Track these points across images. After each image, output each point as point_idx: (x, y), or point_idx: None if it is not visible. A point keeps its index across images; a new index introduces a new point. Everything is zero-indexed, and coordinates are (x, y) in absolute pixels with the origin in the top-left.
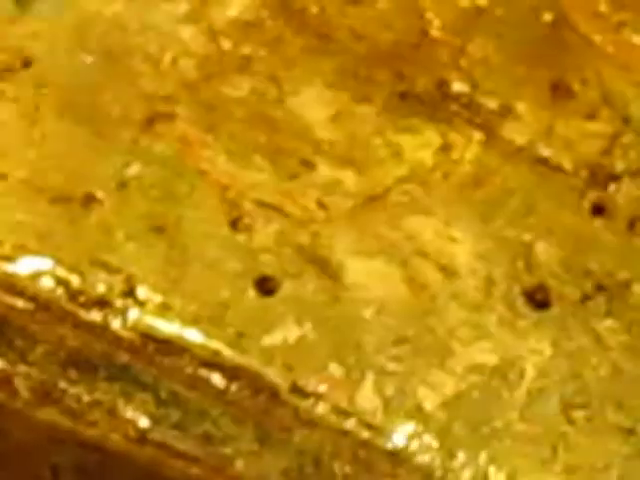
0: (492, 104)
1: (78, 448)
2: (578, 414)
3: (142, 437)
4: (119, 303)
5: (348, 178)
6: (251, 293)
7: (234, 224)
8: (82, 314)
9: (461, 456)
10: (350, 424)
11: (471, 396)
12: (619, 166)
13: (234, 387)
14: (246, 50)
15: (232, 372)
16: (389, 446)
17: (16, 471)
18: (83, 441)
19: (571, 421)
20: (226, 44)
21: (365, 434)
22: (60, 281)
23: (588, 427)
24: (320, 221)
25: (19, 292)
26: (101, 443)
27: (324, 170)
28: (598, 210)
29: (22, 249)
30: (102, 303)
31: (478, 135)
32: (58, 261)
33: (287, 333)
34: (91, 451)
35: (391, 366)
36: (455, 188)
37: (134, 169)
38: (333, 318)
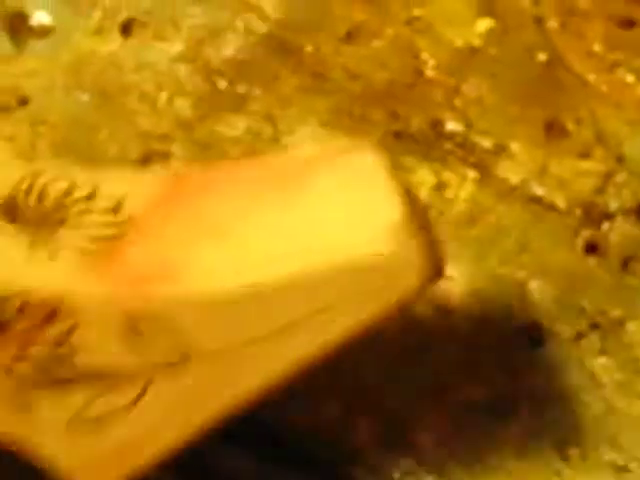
0: (486, 143)
1: None
2: (573, 451)
3: None
4: None
5: None
6: None
7: None
8: None
9: None
10: (347, 464)
11: (466, 433)
12: (612, 205)
13: None
14: (241, 89)
15: None
16: None
17: None
18: None
19: (565, 458)
20: (221, 83)
21: (360, 472)
22: None
23: (582, 465)
24: None
25: None
26: None
27: None
28: (592, 248)
29: None
30: None
31: (472, 174)
32: None
33: None
34: None
35: (388, 403)
36: (449, 226)
37: None
38: None
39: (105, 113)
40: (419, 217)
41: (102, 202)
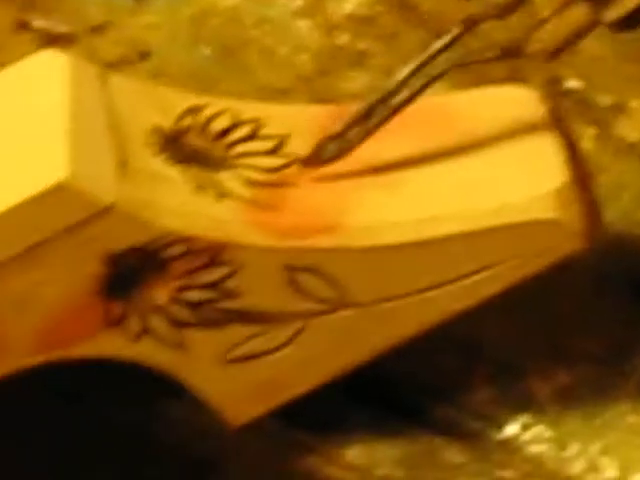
0: (605, 100)
1: None
2: None
3: None
4: None
5: None
6: None
7: None
8: None
9: (574, 447)
10: (463, 415)
11: (583, 387)
12: None
13: None
14: (361, 45)
15: None
16: (501, 437)
17: None
18: None
19: None
20: (341, 38)
21: (477, 425)
22: None
23: None
24: None
25: None
26: None
27: None
28: None
29: None
30: None
31: (591, 131)
32: None
33: None
34: None
35: (505, 356)
36: None
37: None
38: None
39: (225, 67)
40: (583, 178)
41: (265, 142)
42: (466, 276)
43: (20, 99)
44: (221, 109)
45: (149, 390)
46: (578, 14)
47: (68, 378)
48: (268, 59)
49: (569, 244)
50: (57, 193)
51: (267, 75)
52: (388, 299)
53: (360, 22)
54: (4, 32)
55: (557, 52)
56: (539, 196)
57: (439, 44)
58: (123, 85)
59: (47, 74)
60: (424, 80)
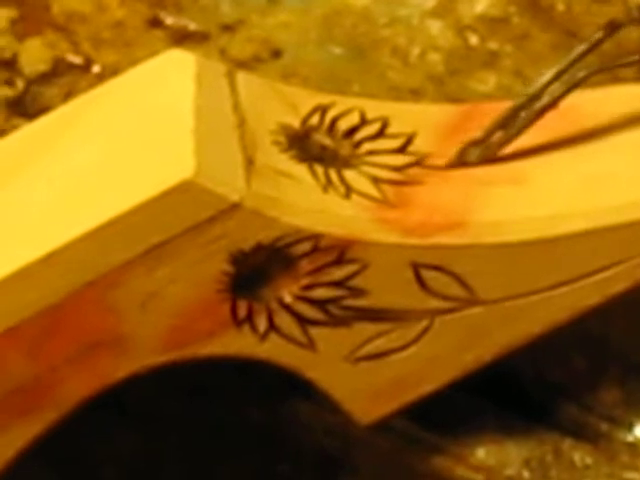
0: None
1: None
2: None
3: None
4: None
5: None
6: None
7: None
8: None
9: None
10: (592, 416)
11: None
12: None
13: None
14: (493, 45)
15: None
16: (630, 438)
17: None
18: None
19: None
20: (473, 39)
21: (606, 426)
22: None
23: None
24: None
25: None
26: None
27: None
28: None
29: None
30: None
31: None
32: None
33: None
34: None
35: (635, 358)
36: None
37: None
38: None
39: (357, 67)
40: None
41: (391, 140)
42: (594, 273)
43: (148, 98)
44: (348, 108)
45: (278, 389)
46: None
47: (197, 375)
48: (399, 59)
49: None
50: (183, 190)
51: (398, 75)
52: (516, 297)
53: (491, 23)
54: (137, 29)
55: None
56: None
57: (580, 49)
58: (250, 83)
59: (174, 73)
60: (565, 86)
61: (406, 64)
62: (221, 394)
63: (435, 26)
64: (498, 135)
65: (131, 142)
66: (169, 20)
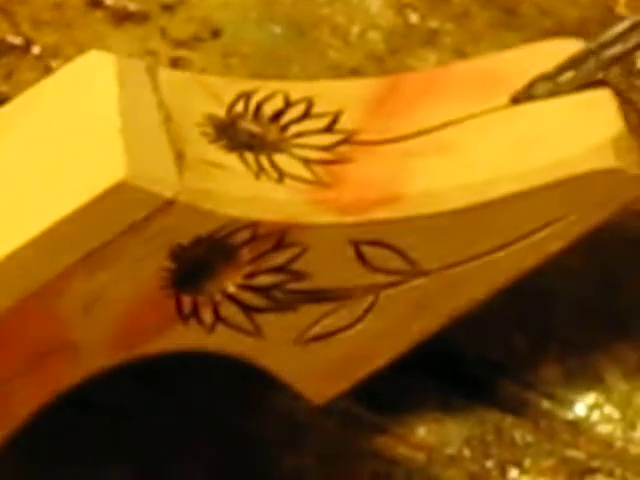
0: None
1: None
2: None
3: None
4: None
5: None
6: None
7: None
8: None
9: None
10: (532, 394)
11: None
12: None
13: None
14: (433, 24)
15: None
16: (570, 416)
17: None
18: None
19: None
20: (413, 17)
21: (546, 404)
22: None
23: None
24: None
25: None
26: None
27: None
28: None
29: None
30: None
31: None
32: None
33: None
34: None
35: (574, 337)
36: None
37: None
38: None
39: (297, 46)
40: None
41: (317, 120)
42: (530, 234)
43: (73, 101)
44: (271, 92)
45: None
46: None
47: (159, 371)
48: (339, 38)
49: (630, 191)
50: (117, 192)
51: (338, 54)
52: (456, 264)
53: (432, 1)
54: (76, 10)
55: None
56: (596, 146)
57: None
58: (173, 78)
59: (96, 74)
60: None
61: (346, 43)
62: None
63: (375, 4)
64: (568, 74)
65: (61, 146)
66: (109, 0)
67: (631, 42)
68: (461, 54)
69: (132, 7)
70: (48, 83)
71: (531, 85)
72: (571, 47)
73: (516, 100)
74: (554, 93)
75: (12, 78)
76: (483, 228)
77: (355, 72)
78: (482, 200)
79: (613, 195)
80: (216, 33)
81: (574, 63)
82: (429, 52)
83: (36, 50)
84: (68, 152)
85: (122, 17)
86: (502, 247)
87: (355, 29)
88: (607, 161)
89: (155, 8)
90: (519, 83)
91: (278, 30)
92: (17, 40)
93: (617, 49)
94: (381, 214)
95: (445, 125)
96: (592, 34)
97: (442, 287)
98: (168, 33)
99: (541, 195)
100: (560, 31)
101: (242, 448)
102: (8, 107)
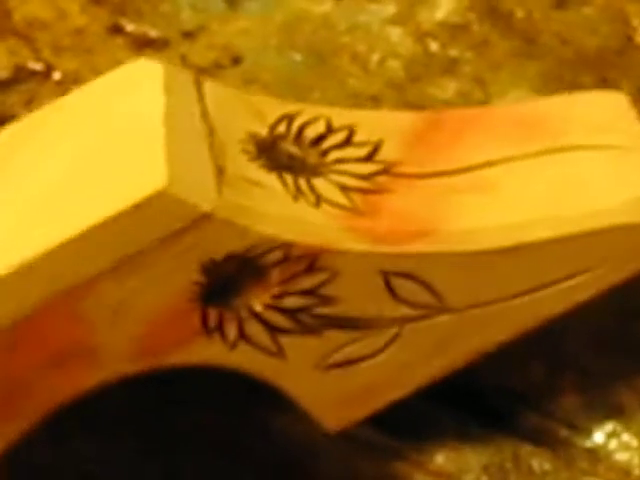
0: None
1: None
2: None
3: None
4: None
5: None
6: None
7: None
8: None
9: None
10: (550, 422)
11: None
12: None
13: None
14: (453, 52)
15: None
16: (588, 444)
17: None
18: None
19: None
20: (433, 46)
21: (564, 432)
22: None
23: None
24: None
25: None
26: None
27: None
28: None
29: None
30: None
31: None
32: None
33: None
34: None
35: (593, 366)
36: None
37: None
38: None
39: (317, 73)
40: None
41: (358, 149)
42: (560, 281)
43: (114, 108)
44: (315, 116)
45: (238, 396)
46: None
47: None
48: (359, 66)
49: None
50: (155, 201)
51: (358, 82)
52: (483, 304)
53: (452, 30)
54: (97, 36)
55: None
56: (633, 200)
57: None
58: (218, 91)
59: (141, 82)
60: None
61: (366, 71)
62: (184, 404)
63: (395, 33)
64: None
65: (100, 151)
66: (130, 27)
67: None
68: (481, 83)
69: (153, 34)
70: (95, 85)
71: None
72: (611, 99)
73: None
74: None
75: (33, 104)
76: (514, 271)
77: (375, 100)
78: (516, 243)
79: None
80: (236, 60)
81: None
82: (449, 81)
83: (57, 76)
84: (110, 157)
85: (143, 43)
86: (530, 292)
87: (375, 57)
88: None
89: (176, 35)
90: (559, 130)
91: (298, 57)
92: (38, 66)
93: None
94: (414, 247)
95: (485, 164)
96: (610, 62)
97: (467, 326)
98: (189, 60)
99: (574, 243)
100: (579, 59)
101: (255, 472)
102: (51, 107)
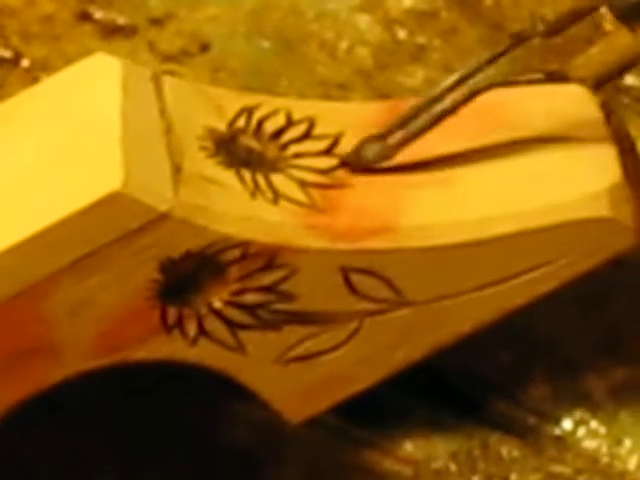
0: None
1: None
2: None
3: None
4: None
5: None
6: None
7: None
8: None
9: (628, 443)
10: (519, 410)
11: (638, 384)
12: None
13: None
14: (421, 40)
15: None
16: (557, 432)
17: None
18: None
19: None
20: (401, 33)
21: (533, 420)
22: None
23: None
24: None
25: None
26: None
27: None
28: None
29: None
30: None
31: None
32: None
33: None
34: None
35: (561, 352)
36: None
37: None
38: None
39: (285, 61)
40: (636, 175)
41: (318, 142)
42: (520, 274)
43: (74, 104)
44: (275, 108)
45: (208, 388)
46: (625, 42)
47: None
48: (327, 53)
49: (622, 242)
50: (111, 202)
51: (326, 69)
52: (444, 298)
53: (420, 17)
54: (65, 23)
55: (600, 84)
56: (592, 194)
57: (485, 56)
58: (177, 87)
59: (100, 77)
60: (467, 91)
61: (334, 58)
62: (153, 395)
63: (363, 20)
64: (398, 135)
65: (59, 150)
66: (98, 14)
67: (459, 98)
68: (449, 70)
69: (121, 21)
70: (57, 79)
71: (361, 146)
72: (572, 90)
73: (346, 163)
74: (384, 155)
75: (1, 91)
76: (473, 265)
77: (343, 88)
78: (475, 238)
79: (605, 244)
80: (204, 47)
81: (403, 122)
82: (417, 68)
83: (25, 63)
84: (70, 154)
85: (111, 31)
86: (491, 285)
87: (343, 45)
88: (601, 210)
89: (143, 22)
90: (518, 121)
91: (266, 45)
92: (6, 53)
93: (447, 103)
94: (373, 244)
95: (444, 158)
96: (580, 50)
97: (427, 319)
98: (156, 47)
99: (534, 237)
100: (547, 47)
101: (225, 462)
102: (6, 104)
